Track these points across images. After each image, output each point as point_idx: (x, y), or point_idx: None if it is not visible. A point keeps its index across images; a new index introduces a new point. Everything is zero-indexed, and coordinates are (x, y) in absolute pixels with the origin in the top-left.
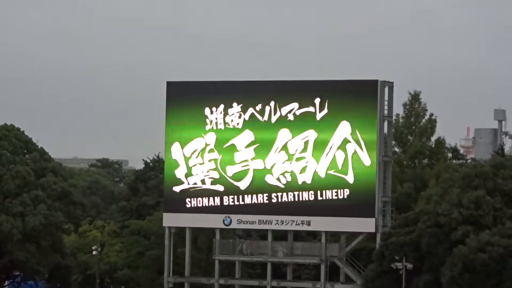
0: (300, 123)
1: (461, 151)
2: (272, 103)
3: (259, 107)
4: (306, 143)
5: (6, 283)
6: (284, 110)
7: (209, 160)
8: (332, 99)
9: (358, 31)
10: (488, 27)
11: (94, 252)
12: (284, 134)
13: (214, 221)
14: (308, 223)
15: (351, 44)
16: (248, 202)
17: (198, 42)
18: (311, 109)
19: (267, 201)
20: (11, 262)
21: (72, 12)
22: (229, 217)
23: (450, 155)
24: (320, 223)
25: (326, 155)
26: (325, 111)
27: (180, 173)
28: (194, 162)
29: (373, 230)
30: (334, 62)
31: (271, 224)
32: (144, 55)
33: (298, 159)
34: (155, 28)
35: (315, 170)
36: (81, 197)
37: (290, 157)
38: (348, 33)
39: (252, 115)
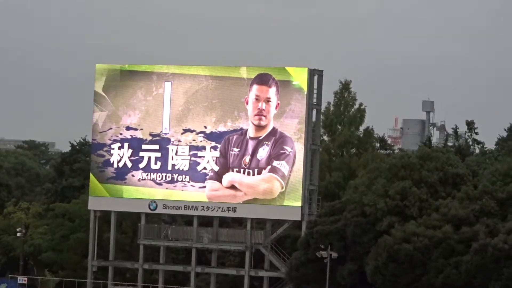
0: None
1: (389, 141)
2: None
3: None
4: None
5: None
6: None
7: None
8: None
9: (290, 21)
10: (431, 20)
11: (18, 234)
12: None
13: (140, 206)
14: (234, 210)
15: (283, 33)
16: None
17: (130, 25)
18: None
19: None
20: None
21: None
22: (155, 202)
23: (378, 145)
24: (246, 210)
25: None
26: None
27: (106, 155)
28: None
29: (298, 218)
30: (265, 50)
31: (196, 210)
32: (76, 38)
33: None
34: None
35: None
36: (6, 178)
37: None
38: (279, 23)
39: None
